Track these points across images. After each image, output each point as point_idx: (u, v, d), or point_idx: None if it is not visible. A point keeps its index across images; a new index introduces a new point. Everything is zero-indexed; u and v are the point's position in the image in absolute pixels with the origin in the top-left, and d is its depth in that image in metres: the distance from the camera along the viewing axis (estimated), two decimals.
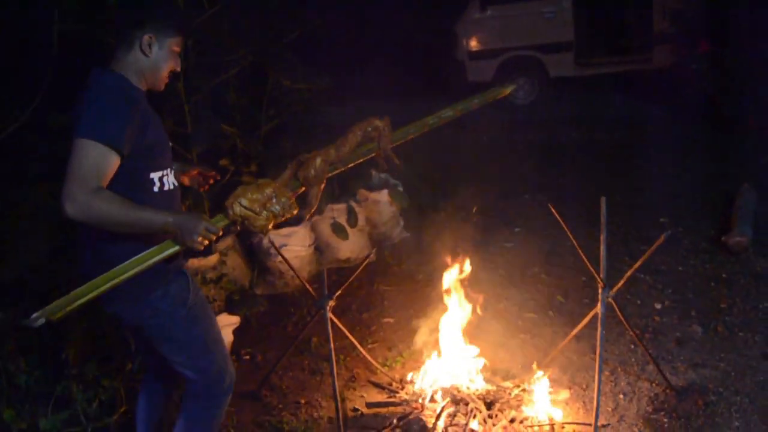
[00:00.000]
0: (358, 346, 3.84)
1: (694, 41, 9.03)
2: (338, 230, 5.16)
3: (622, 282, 3.33)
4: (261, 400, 3.86)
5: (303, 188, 2.75)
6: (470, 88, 10.34)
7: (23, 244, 3.86)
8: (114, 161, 2.38)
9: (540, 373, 3.64)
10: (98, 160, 2.34)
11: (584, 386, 3.78)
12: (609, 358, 4.01)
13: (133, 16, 2.57)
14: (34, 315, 2.34)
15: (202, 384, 2.82)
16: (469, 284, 4.06)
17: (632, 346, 4.07)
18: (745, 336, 4.15)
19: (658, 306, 4.53)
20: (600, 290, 3.33)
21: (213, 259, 4.61)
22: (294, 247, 5.01)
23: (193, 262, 4.51)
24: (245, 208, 2.57)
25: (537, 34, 10.10)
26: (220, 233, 2.55)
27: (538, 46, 10.14)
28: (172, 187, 2.68)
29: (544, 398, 3.55)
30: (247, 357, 4.27)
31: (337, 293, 3.42)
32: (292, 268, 3.46)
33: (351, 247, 5.33)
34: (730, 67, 8.11)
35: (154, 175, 2.59)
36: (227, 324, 4.12)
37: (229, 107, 4.96)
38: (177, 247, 2.47)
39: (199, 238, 2.44)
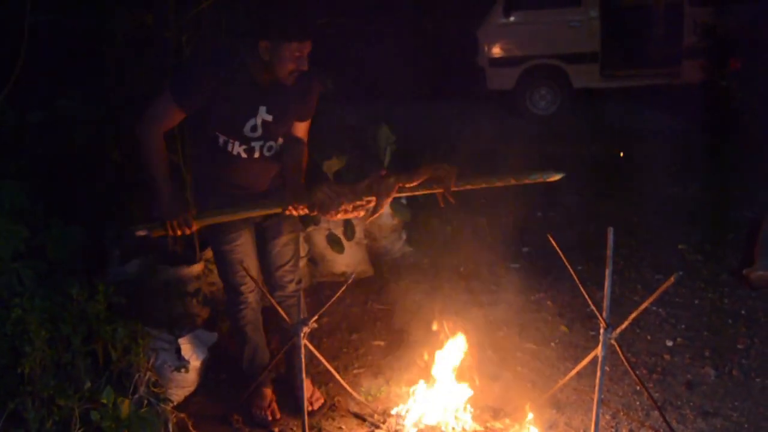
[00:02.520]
0: (337, 375, 3.56)
1: (725, 58, 8.67)
2: (334, 242, 4.87)
3: (626, 324, 3.02)
4: (231, 426, 3.59)
5: (374, 198, 3.19)
6: (490, 96, 10.07)
7: None
8: (176, 113, 3.09)
9: (531, 415, 3.34)
10: (165, 107, 3.07)
11: (581, 431, 3.47)
12: (611, 400, 3.70)
13: (252, 26, 3.08)
14: (139, 226, 3.15)
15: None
16: (467, 309, 3.80)
17: (638, 387, 3.74)
18: (763, 382, 3.81)
19: (670, 343, 4.20)
20: (602, 330, 3.03)
21: (197, 268, 4.34)
22: None
23: (175, 270, 4.26)
24: (326, 194, 3.14)
25: (561, 43, 9.77)
26: (303, 211, 3.22)
27: (562, 56, 9.81)
28: (235, 153, 3.23)
29: None
30: (224, 376, 4.00)
31: (313, 318, 3.14)
32: (258, 285, 3.19)
33: (347, 261, 5.04)
34: (761, 86, 7.73)
35: (220, 135, 3.18)
36: (204, 341, 3.87)
37: None
38: (277, 209, 3.25)
39: (175, 223, 3.10)
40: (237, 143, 3.23)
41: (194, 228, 3.17)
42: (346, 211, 3.19)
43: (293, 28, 3.02)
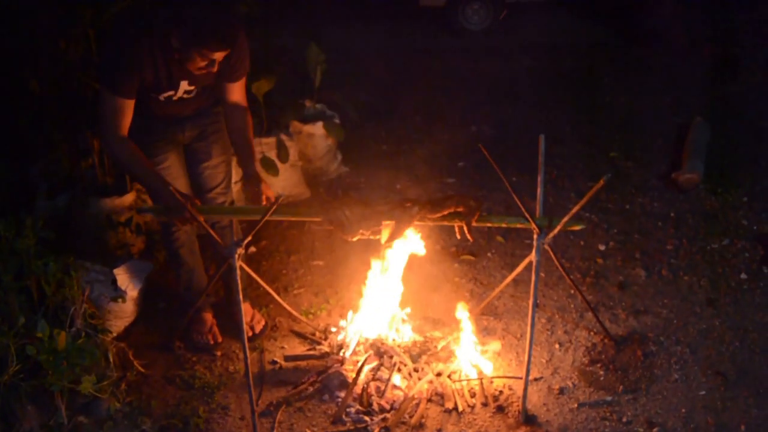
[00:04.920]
0: (276, 296, 3.57)
1: None
2: (268, 166, 4.80)
3: (558, 228, 3.07)
4: (174, 353, 3.59)
5: (392, 223, 3.07)
6: (422, 14, 9.91)
7: None
8: (123, 104, 2.94)
9: (470, 323, 3.41)
10: (111, 107, 2.95)
11: (518, 336, 3.57)
12: (547, 304, 3.80)
13: (165, 18, 2.83)
14: (145, 208, 3.56)
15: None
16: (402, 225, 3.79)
17: (572, 291, 3.85)
18: (691, 280, 3.96)
19: (602, 247, 4.32)
20: (535, 236, 3.08)
21: (128, 198, 4.25)
22: None
23: (106, 202, 4.17)
24: (347, 217, 3.05)
25: None
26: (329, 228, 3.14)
27: None
28: (176, 99, 3.13)
29: (473, 350, 3.33)
30: (163, 305, 3.97)
31: (247, 239, 3.12)
32: (193, 214, 3.11)
33: (282, 184, 4.98)
34: None
35: (155, 95, 3.07)
36: (140, 270, 3.82)
37: None
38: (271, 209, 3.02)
39: (179, 219, 3.07)
40: (176, 92, 3.12)
41: (201, 219, 3.06)
42: (362, 234, 3.11)
43: (208, 35, 2.77)
